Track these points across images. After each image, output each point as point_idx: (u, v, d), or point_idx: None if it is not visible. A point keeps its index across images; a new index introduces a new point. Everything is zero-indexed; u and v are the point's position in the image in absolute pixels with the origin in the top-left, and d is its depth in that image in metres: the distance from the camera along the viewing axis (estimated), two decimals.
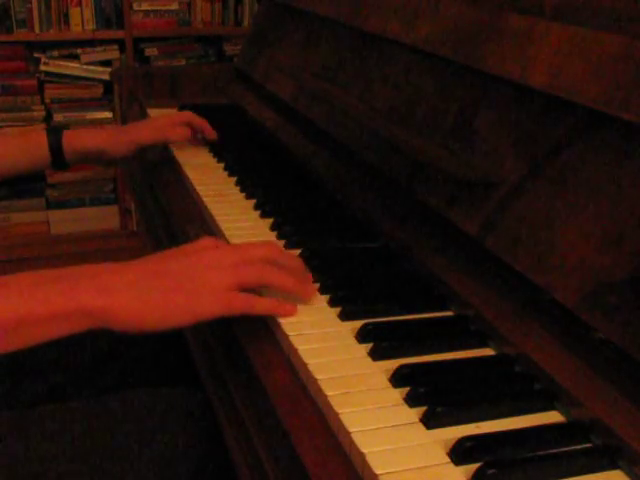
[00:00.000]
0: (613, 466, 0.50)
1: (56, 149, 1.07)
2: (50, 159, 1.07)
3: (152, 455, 0.71)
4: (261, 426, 0.58)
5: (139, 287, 0.61)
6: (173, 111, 1.43)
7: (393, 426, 0.51)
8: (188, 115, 1.19)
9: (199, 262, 0.63)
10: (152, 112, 1.41)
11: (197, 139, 1.21)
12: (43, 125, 2.54)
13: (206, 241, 0.67)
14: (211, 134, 1.19)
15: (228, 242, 0.82)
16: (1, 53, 2.49)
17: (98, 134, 1.10)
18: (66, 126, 1.15)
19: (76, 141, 1.08)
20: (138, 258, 0.65)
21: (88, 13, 2.51)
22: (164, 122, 1.16)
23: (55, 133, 1.08)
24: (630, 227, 0.56)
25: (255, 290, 0.66)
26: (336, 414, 0.52)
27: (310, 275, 0.70)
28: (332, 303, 0.68)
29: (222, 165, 1.11)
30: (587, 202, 0.61)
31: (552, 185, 0.65)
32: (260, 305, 0.64)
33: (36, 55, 2.53)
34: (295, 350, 0.60)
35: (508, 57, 0.73)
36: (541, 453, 0.50)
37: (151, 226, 1.11)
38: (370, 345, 0.61)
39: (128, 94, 1.56)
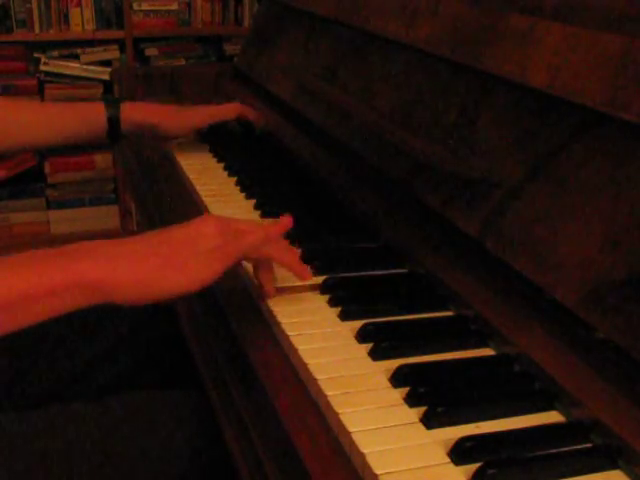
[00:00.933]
0: (613, 466, 0.50)
1: (114, 120, 1.08)
2: (106, 129, 1.09)
3: (152, 455, 0.71)
4: (261, 426, 0.58)
5: (138, 256, 0.60)
6: None
7: (393, 426, 0.51)
8: (243, 106, 1.23)
9: (199, 230, 0.63)
10: None
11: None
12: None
13: (207, 216, 0.68)
14: (259, 121, 1.24)
15: None
16: (1, 53, 2.49)
17: (156, 110, 1.13)
18: (123, 97, 1.18)
19: (135, 113, 1.10)
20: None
21: (88, 13, 2.51)
22: (220, 108, 1.21)
23: (114, 103, 1.09)
24: (630, 227, 0.56)
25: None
26: (336, 414, 0.52)
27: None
28: (332, 303, 0.68)
29: (222, 165, 1.11)
30: (587, 202, 0.61)
31: (552, 185, 0.65)
32: (267, 250, 0.66)
33: (36, 55, 2.53)
34: (295, 350, 0.60)
35: (508, 57, 0.73)
36: (541, 453, 0.50)
37: (151, 226, 1.11)
38: (370, 345, 0.61)
39: (128, 94, 1.56)
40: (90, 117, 1.08)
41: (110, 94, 2.59)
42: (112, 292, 0.59)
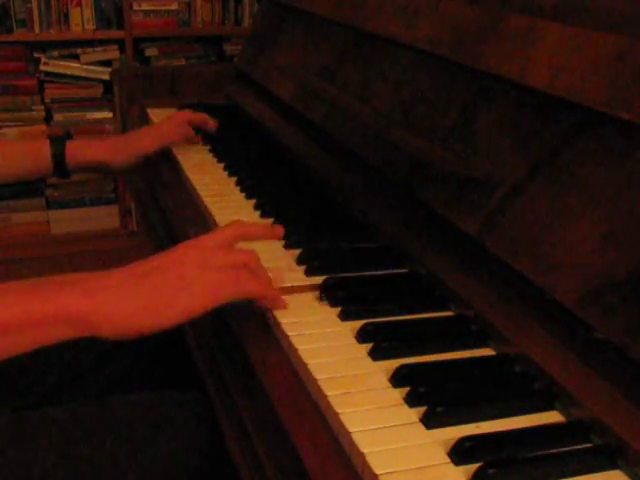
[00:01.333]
0: (613, 466, 0.50)
1: (59, 159, 1.07)
2: (52, 167, 1.08)
3: (152, 456, 0.71)
4: (261, 426, 0.58)
5: (122, 290, 0.59)
6: (172, 111, 1.44)
7: (393, 426, 0.51)
8: (186, 114, 1.19)
9: (183, 260, 0.62)
10: (152, 112, 1.41)
11: (196, 140, 1.21)
12: (45, 126, 2.54)
13: (191, 242, 0.66)
14: (212, 125, 1.21)
15: None
16: (1, 53, 2.49)
17: (100, 146, 1.10)
18: (69, 134, 1.14)
19: (79, 153, 1.08)
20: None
21: (88, 13, 2.51)
22: (164, 127, 1.16)
23: (58, 143, 1.08)
24: (630, 227, 0.56)
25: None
26: (336, 414, 0.52)
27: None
28: (332, 303, 0.68)
29: (222, 165, 1.11)
30: (587, 202, 0.61)
31: (552, 185, 0.65)
32: (250, 286, 0.63)
33: (36, 55, 2.53)
34: (295, 350, 0.60)
35: (508, 57, 0.73)
36: (541, 453, 0.50)
37: (151, 226, 1.11)
38: (370, 345, 0.61)
39: (128, 94, 1.56)
40: (36, 155, 1.07)
41: (110, 94, 2.60)
42: (96, 326, 0.58)
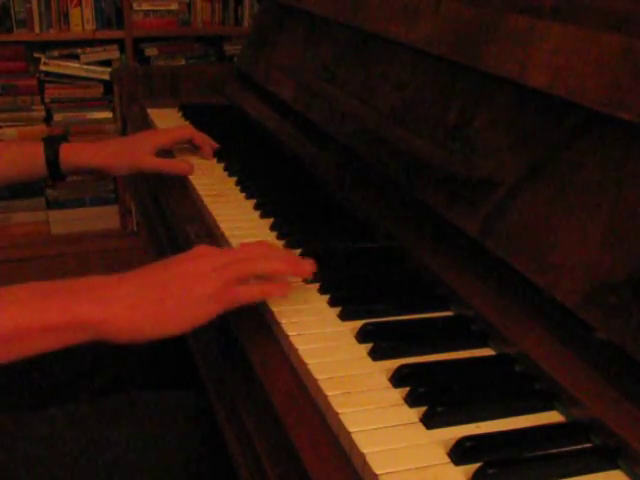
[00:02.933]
0: (613, 466, 0.50)
1: (53, 162, 1.05)
2: (46, 171, 1.06)
3: (152, 456, 0.71)
4: (261, 426, 0.58)
5: (134, 298, 0.61)
6: (172, 111, 1.43)
7: (393, 426, 0.51)
8: (189, 133, 1.14)
9: (191, 269, 0.64)
10: (152, 112, 1.41)
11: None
12: (44, 126, 2.54)
13: (201, 249, 0.68)
14: (213, 146, 1.15)
15: (228, 242, 0.82)
16: (1, 53, 2.49)
17: (98, 152, 1.07)
18: (65, 136, 1.10)
19: (74, 157, 1.05)
20: (134, 269, 0.66)
21: (88, 13, 2.50)
22: (164, 141, 1.11)
23: (52, 146, 1.05)
24: (630, 227, 0.56)
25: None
26: (336, 414, 0.52)
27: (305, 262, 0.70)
28: (332, 303, 0.68)
29: (222, 165, 1.11)
30: (587, 202, 0.61)
31: (552, 185, 0.65)
32: (250, 294, 0.64)
33: (36, 55, 2.53)
34: (295, 350, 0.60)
35: (508, 57, 0.73)
36: (541, 453, 0.50)
37: (151, 226, 1.11)
38: (370, 345, 0.61)
39: (128, 94, 1.56)
40: (29, 159, 1.05)
41: (110, 94, 2.60)
42: (105, 333, 0.60)
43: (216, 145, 1.16)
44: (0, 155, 1.06)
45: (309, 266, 0.69)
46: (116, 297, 0.61)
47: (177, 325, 0.62)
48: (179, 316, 0.62)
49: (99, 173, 1.09)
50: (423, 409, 0.53)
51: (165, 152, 1.14)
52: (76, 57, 2.55)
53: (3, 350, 0.58)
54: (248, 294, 0.64)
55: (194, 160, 1.12)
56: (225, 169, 1.09)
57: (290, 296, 0.67)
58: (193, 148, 1.16)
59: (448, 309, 0.69)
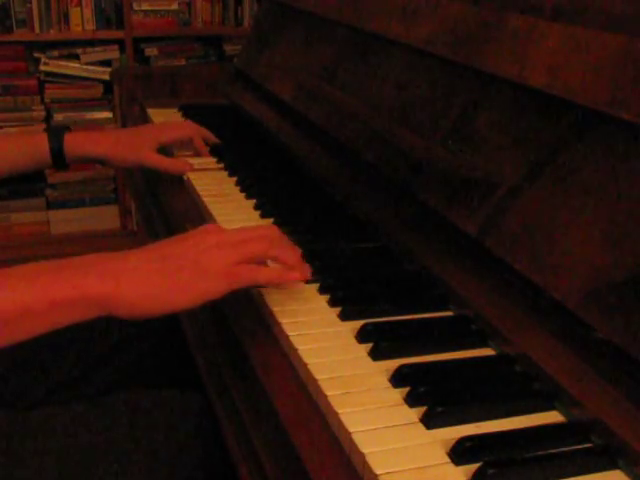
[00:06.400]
0: (613, 466, 0.50)
1: (57, 151, 1.06)
2: (51, 160, 1.07)
3: (152, 456, 0.71)
4: (261, 426, 0.58)
5: (142, 272, 0.60)
6: (172, 111, 1.43)
7: (393, 426, 0.51)
8: (190, 134, 1.15)
9: (201, 243, 0.63)
10: (152, 112, 1.41)
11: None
12: (44, 125, 2.54)
13: (209, 226, 0.68)
14: (214, 141, 1.19)
15: None
16: (1, 53, 2.49)
17: (101, 142, 1.08)
18: (67, 127, 1.12)
19: (78, 147, 1.07)
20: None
21: (88, 13, 2.51)
22: (170, 140, 1.12)
23: (56, 135, 1.06)
24: (630, 227, 0.56)
25: None
26: (336, 414, 0.52)
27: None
28: (332, 303, 0.68)
29: (222, 165, 1.11)
30: (587, 202, 0.61)
31: (552, 185, 0.65)
32: (264, 275, 0.64)
33: (36, 55, 2.53)
34: (295, 350, 0.60)
35: (508, 57, 0.73)
36: (541, 453, 0.50)
37: (151, 226, 1.11)
38: (370, 345, 0.61)
39: (128, 94, 1.56)
40: (34, 149, 1.06)
41: (110, 94, 2.60)
42: (114, 307, 0.59)
43: (217, 140, 1.18)
44: (6, 146, 1.06)
45: (307, 270, 0.68)
46: (126, 271, 0.60)
47: (188, 299, 0.61)
48: (190, 289, 0.61)
49: (101, 162, 1.10)
50: (423, 409, 0.53)
51: (165, 148, 1.15)
52: (76, 57, 2.56)
53: (8, 330, 0.57)
54: (266, 275, 0.64)
55: (194, 160, 1.12)
56: (225, 169, 1.09)
57: (290, 296, 0.67)
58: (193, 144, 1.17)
59: (448, 309, 0.69)
